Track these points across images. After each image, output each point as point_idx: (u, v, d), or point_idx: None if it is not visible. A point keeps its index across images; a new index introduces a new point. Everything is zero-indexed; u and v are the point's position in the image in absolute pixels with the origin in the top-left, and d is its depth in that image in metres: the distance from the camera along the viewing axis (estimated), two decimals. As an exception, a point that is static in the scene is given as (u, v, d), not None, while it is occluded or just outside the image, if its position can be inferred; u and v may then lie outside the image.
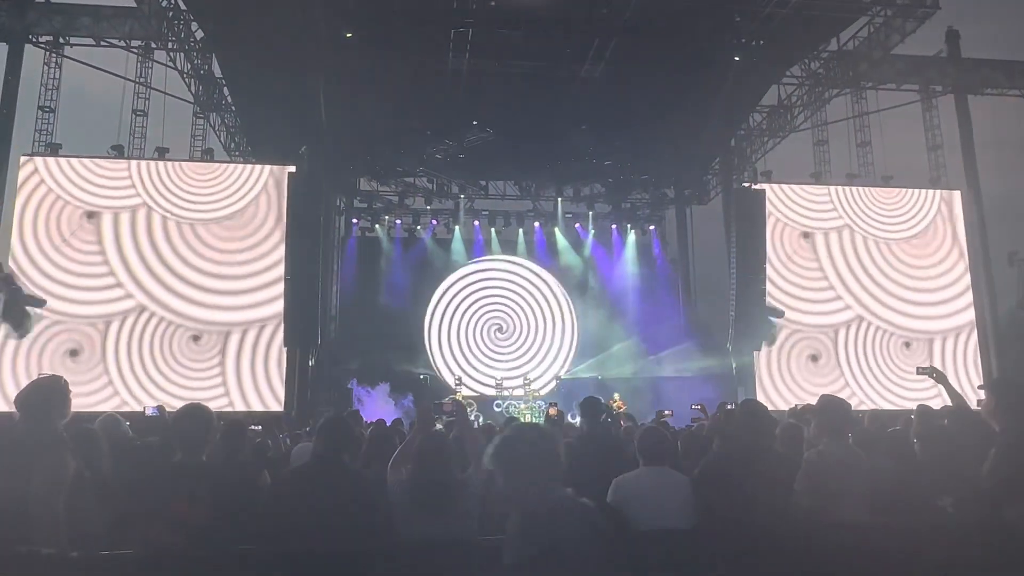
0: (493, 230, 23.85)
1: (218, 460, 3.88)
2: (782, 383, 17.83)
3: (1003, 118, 21.67)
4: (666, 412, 7.26)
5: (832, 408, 4.03)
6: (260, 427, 7.40)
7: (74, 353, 15.92)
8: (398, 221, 23.70)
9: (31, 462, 3.08)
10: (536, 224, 23.95)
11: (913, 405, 6.65)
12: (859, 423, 5.75)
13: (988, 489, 3.34)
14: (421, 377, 20.43)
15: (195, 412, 3.55)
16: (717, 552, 3.30)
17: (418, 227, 23.72)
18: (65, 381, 3.52)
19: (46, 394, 3.41)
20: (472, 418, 16.82)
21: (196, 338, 16.46)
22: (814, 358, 18.24)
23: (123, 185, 16.87)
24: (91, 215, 16.59)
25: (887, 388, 18.11)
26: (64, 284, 16.14)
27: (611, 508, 3.76)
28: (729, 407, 6.79)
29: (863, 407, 16.43)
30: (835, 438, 3.87)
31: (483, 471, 3.97)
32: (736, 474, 3.75)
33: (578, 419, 6.21)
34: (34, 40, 17.19)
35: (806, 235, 18.79)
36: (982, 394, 3.91)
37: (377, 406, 17.61)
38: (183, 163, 17.58)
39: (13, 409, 3.39)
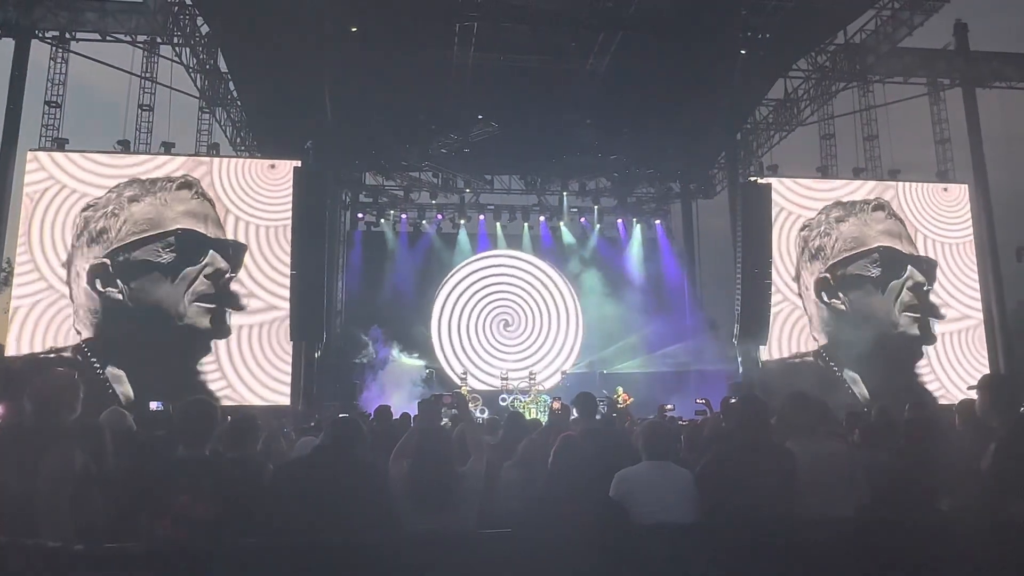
0: (498, 224, 23.88)
1: (224, 454, 3.89)
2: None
3: (1011, 111, 21.54)
4: (667, 407, 7.26)
5: (793, 406, 4.04)
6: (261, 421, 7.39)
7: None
8: (403, 215, 23.75)
9: (39, 455, 3.10)
10: (541, 219, 23.97)
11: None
12: (836, 420, 5.75)
13: (991, 486, 3.33)
14: (427, 371, 20.44)
15: (198, 406, 3.56)
16: (719, 547, 3.30)
17: (423, 221, 23.77)
18: (78, 378, 3.51)
19: (58, 390, 3.42)
20: (477, 413, 16.89)
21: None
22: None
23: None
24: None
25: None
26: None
27: (613, 502, 3.77)
28: (732, 401, 6.79)
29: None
30: (801, 434, 3.89)
31: (483, 465, 4.00)
32: (738, 469, 3.75)
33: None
34: (40, 35, 17.22)
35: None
36: (973, 394, 3.87)
37: (397, 380, 17.65)
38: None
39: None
